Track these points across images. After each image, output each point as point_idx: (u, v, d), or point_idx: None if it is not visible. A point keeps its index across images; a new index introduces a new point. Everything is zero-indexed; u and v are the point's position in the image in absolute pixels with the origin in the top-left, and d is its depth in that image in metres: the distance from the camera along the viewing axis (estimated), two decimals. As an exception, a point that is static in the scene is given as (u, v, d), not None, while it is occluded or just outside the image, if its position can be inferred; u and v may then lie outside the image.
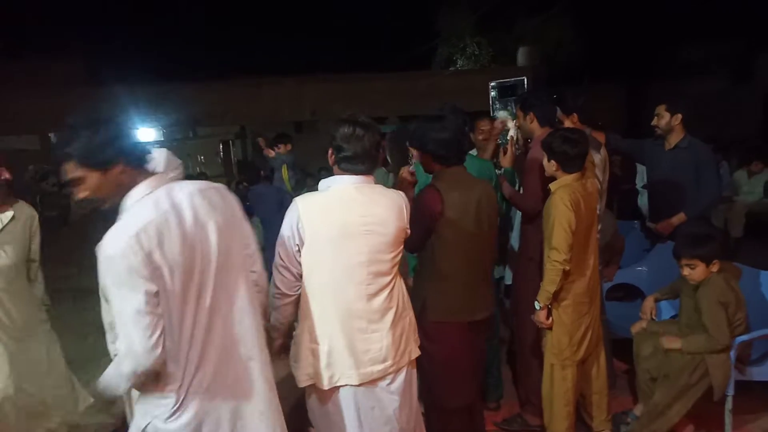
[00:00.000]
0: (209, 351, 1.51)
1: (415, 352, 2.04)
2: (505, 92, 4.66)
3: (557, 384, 2.60)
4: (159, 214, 1.44)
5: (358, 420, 1.91)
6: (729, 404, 2.62)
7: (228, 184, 10.99)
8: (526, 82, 3.58)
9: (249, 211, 5.45)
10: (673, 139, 3.49)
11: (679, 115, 3.46)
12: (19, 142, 11.84)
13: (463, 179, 2.31)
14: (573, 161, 2.49)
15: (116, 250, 1.38)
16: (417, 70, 12.98)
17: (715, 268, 2.63)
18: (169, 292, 1.43)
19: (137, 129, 13.26)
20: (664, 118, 3.48)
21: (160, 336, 1.41)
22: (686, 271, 2.68)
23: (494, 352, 3.02)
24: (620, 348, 3.21)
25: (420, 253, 2.36)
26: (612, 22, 12.76)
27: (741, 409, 2.75)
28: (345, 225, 1.84)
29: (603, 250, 3.05)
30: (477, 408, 2.57)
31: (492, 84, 3.82)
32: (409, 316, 2.03)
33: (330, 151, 1.92)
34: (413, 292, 2.22)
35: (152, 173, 1.53)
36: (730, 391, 2.59)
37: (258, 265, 1.74)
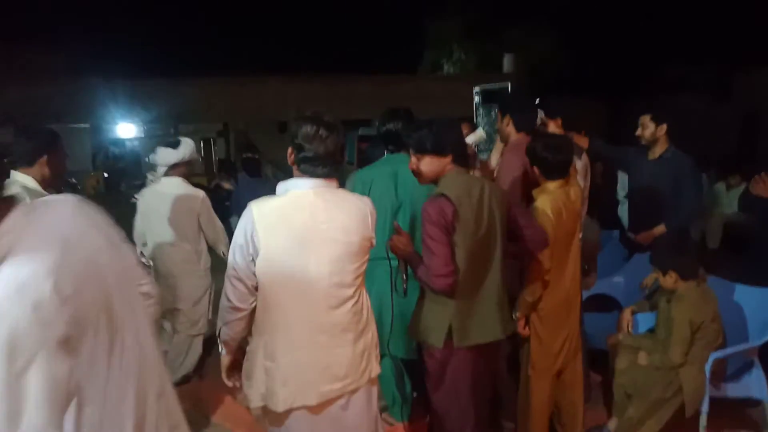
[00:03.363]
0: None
1: (376, 370, 1.91)
2: (488, 98, 4.64)
3: (533, 395, 2.55)
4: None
5: None
6: (703, 421, 2.59)
7: (208, 183, 10.86)
8: (510, 89, 3.56)
9: (225, 213, 5.32)
10: (658, 150, 3.48)
11: (664, 126, 3.45)
12: (-5, 133, 11.53)
13: (469, 180, 2.15)
14: (555, 168, 2.45)
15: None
16: (403, 74, 12.97)
17: (692, 282, 2.62)
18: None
19: (116, 124, 13.07)
20: (648, 129, 3.47)
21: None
22: (661, 279, 2.66)
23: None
24: (596, 360, 3.18)
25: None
26: (596, 37, 12.91)
27: (716, 426, 2.72)
28: (304, 233, 1.70)
29: (584, 259, 3.03)
30: None
31: (476, 89, 3.78)
32: (372, 331, 1.91)
33: (290, 150, 1.77)
34: (425, 317, 2.13)
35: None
36: (705, 408, 2.56)
37: (146, 275, 1.39)
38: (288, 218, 1.71)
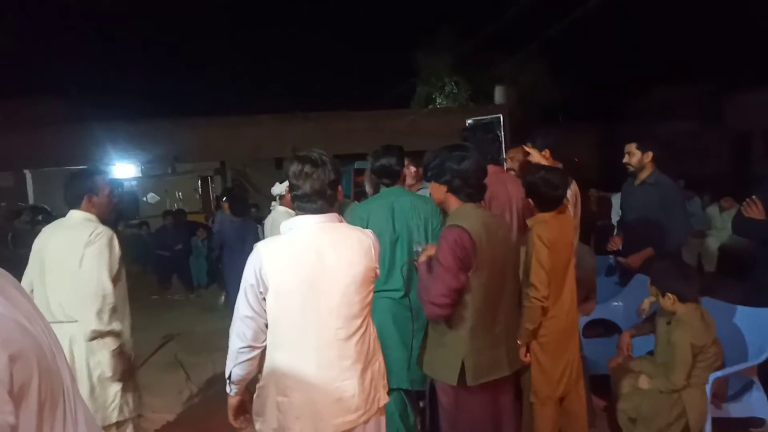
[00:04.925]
0: None
1: (384, 399, 1.93)
2: (480, 130, 4.75)
3: (538, 422, 2.56)
4: None
5: None
6: (707, 443, 2.59)
7: (206, 219, 10.89)
8: (501, 120, 3.66)
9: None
10: (643, 175, 3.58)
11: (650, 153, 3.56)
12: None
13: (485, 216, 2.16)
14: (551, 203, 2.52)
15: None
16: (397, 108, 13.21)
17: (691, 306, 2.65)
18: None
19: (114, 164, 13.19)
20: (635, 156, 3.59)
21: None
22: (660, 300, 2.71)
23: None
24: (599, 385, 3.19)
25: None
26: (587, 64, 13.23)
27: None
28: (312, 270, 1.75)
29: (580, 285, 3.07)
30: None
31: (468, 122, 3.88)
32: (379, 361, 1.94)
33: (286, 189, 1.85)
34: (436, 353, 2.15)
35: None
36: (708, 429, 2.57)
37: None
38: (296, 257, 1.76)
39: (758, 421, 2.77)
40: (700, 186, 7.49)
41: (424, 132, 10.06)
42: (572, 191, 3.19)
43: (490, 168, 2.86)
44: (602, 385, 3.16)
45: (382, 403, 1.93)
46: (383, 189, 2.98)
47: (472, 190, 2.21)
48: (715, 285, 5.48)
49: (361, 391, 1.81)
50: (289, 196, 3.45)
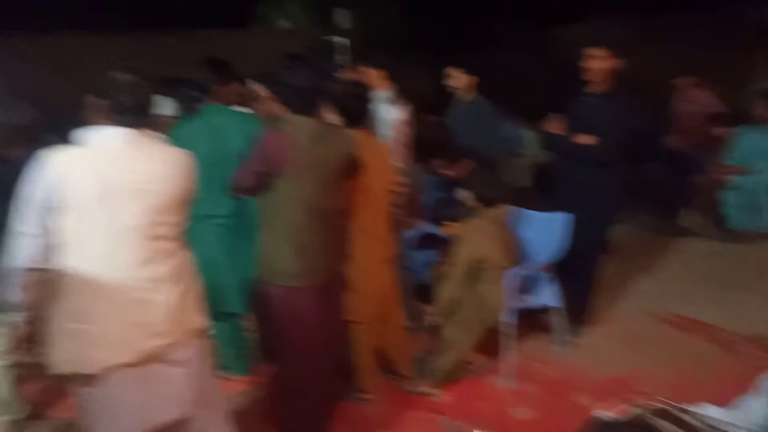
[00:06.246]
0: None
1: (198, 323, 1.89)
2: (321, 53, 4.64)
3: (361, 342, 2.70)
4: None
5: (138, 403, 1.73)
6: (508, 330, 2.97)
7: None
8: (343, 44, 3.61)
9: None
10: (465, 97, 3.86)
11: (472, 77, 3.83)
12: None
13: (318, 128, 2.23)
14: (356, 116, 2.55)
15: None
16: (233, 29, 12.33)
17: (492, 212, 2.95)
18: None
19: None
20: (458, 79, 3.84)
21: None
22: (468, 200, 3.01)
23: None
24: (422, 292, 3.46)
25: (263, 207, 2.26)
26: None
27: (520, 333, 3.12)
28: (114, 183, 1.62)
29: (410, 202, 3.25)
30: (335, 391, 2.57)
31: (309, 45, 3.78)
32: (192, 285, 1.88)
33: (94, 100, 1.69)
34: (270, 256, 2.17)
35: None
36: (509, 319, 2.94)
37: None
38: (95, 168, 1.62)
39: (547, 309, 3.23)
40: (521, 110, 8.19)
41: (263, 54, 9.58)
42: (404, 115, 3.33)
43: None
44: (426, 293, 3.43)
45: (198, 327, 1.88)
46: (202, 107, 2.80)
47: (302, 102, 2.22)
48: (529, 197, 6.18)
49: (169, 315, 1.75)
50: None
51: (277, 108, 2.42)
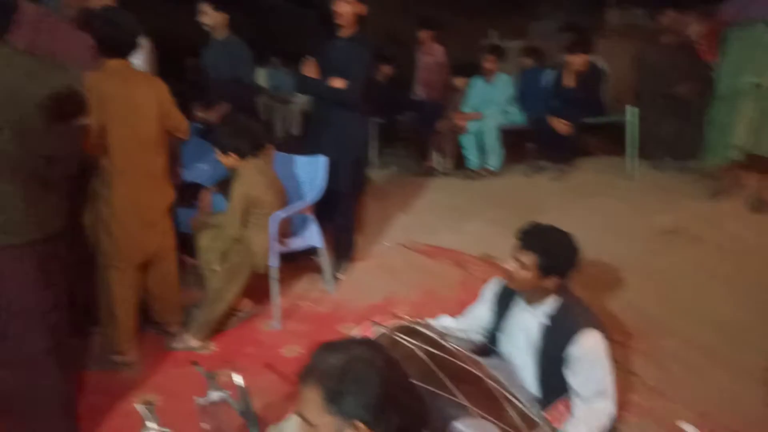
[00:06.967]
0: None
1: None
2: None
3: (114, 290, 2.50)
4: None
5: None
6: (274, 274, 3.02)
7: None
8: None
9: None
10: (218, 35, 3.71)
11: (225, 15, 3.68)
12: None
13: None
14: (113, 48, 2.35)
15: None
16: None
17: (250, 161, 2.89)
18: None
19: None
20: (208, 15, 3.63)
21: None
22: (222, 159, 2.91)
23: None
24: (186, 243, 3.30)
25: None
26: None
27: (287, 275, 3.25)
28: None
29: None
30: None
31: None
32: None
33: None
34: None
35: None
36: (274, 263, 2.98)
37: None
38: None
39: (314, 250, 3.37)
40: (288, 57, 8.13)
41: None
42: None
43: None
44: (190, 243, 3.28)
45: None
46: None
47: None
48: (296, 143, 6.27)
49: None
50: None
51: None
